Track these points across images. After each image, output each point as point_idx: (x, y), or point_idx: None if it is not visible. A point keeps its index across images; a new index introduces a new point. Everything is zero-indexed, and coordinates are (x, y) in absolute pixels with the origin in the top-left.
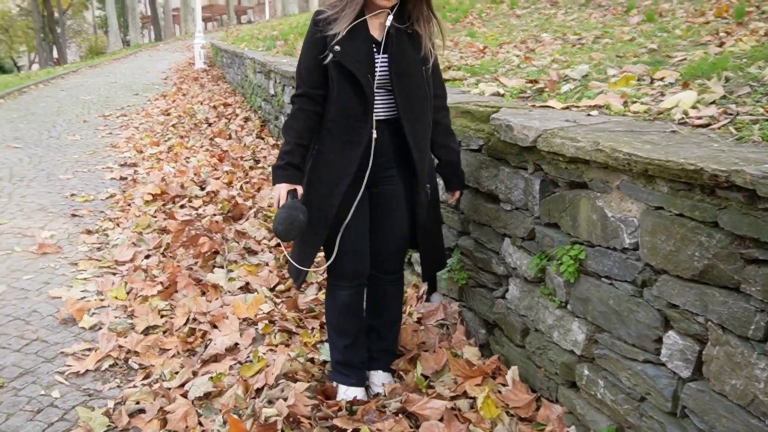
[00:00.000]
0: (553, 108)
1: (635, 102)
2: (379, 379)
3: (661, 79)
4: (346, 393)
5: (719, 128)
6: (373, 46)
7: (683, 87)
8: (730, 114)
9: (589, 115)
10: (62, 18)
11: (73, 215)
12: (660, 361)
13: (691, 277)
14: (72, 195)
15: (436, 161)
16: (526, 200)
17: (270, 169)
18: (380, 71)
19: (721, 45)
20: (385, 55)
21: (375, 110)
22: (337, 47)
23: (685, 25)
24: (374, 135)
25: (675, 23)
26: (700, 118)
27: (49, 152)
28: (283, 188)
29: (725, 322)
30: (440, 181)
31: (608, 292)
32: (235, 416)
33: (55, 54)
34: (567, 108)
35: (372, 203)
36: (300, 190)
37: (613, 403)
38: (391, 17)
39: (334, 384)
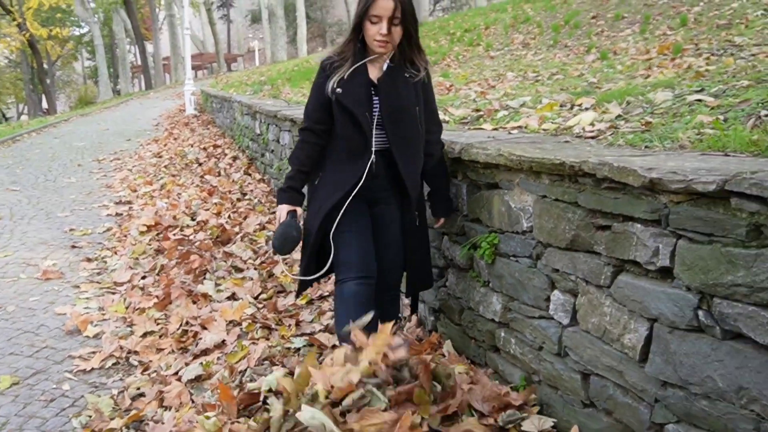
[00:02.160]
0: (484, 129)
1: (547, 122)
2: None
3: (580, 105)
4: None
5: (601, 138)
6: (372, 88)
7: (594, 110)
8: (616, 128)
9: (510, 133)
10: (52, 69)
11: (73, 246)
12: (549, 315)
13: (565, 246)
14: (71, 230)
15: (427, 189)
16: (458, 202)
17: (258, 197)
18: (377, 110)
19: (647, 77)
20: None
21: (375, 142)
22: (339, 89)
23: (630, 62)
24: (373, 160)
25: (623, 60)
26: (592, 131)
27: (47, 194)
28: (284, 209)
29: (587, 277)
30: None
31: (515, 267)
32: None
33: (44, 104)
34: (496, 129)
35: (373, 222)
36: (299, 210)
37: (521, 356)
38: (387, 62)
39: None
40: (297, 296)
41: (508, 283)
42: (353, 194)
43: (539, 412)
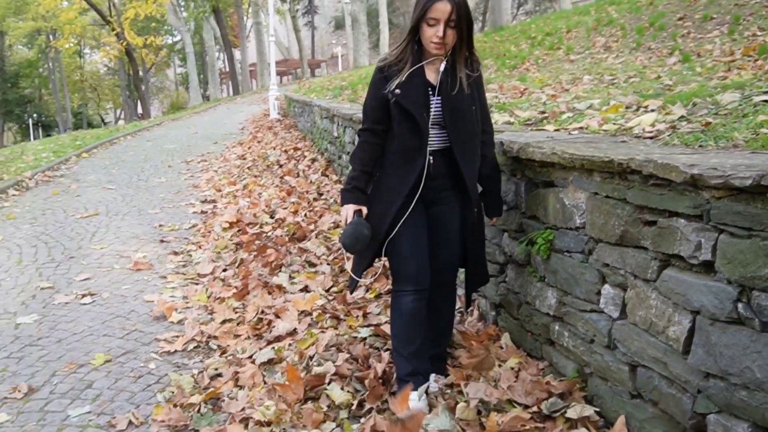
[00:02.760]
0: (546, 130)
1: (609, 123)
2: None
3: (646, 107)
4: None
5: (658, 138)
6: (429, 89)
7: (659, 112)
8: (675, 129)
9: (570, 133)
10: (146, 76)
11: (162, 241)
12: (600, 308)
13: (615, 241)
14: (160, 226)
15: (480, 189)
16: (517, 200)
17: (333, 197)
18: (434, 111)
19: (724, 79)
20: (439, 98)
21: (430, 142)
22: (397, 90)
23: (711, 64)
24: (430, 160)
25: (705, 62)
26: (651, 132)
27: (139, 192)
28: (350, 208)
29: (635, 271)
30: None
31: (568, 262)
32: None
33: (139, 110)
34: (557, 130)
35: (430, 221)
36: (365, 210)
37: (574, 348)
38: (444, 63)
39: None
40: (351, 292)
41: (562, 278)
42: (415, 199)
43: (589, 403)
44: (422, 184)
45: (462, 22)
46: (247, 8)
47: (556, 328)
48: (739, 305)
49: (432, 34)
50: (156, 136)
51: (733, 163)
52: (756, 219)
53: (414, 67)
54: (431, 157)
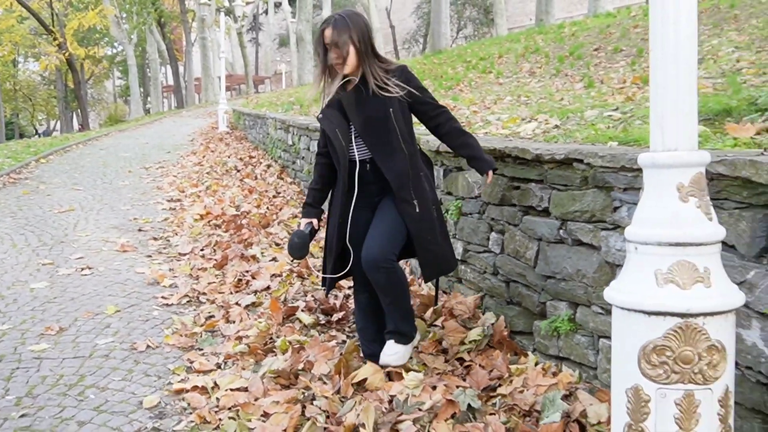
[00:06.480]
0: None
1: (506, 129)
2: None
3: (535, 119)
4: None
5: (533, 138)
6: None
7: (544, 122)
8: (547, 132)
9: (477, 135)
10: (84, 87)
11: (140, 230)
12: (489, 249)
13: (498, 202)
14: (135, 219)
15: (465, 157)
16: (438, 182)
17: (290, 194)
18: (353, 124)
19: (605, 101)
20: (353, 112)
21: (358, 152)
22: (320, 115)
23: (605, 89)
24: (366, 167)
25: (600, 88)
26: (530, 135)
27: (107, 192)
28: (302, 221)
29: (509, 220)
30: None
31: (470, 221)
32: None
33: (77, 121)
34: None
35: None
36: (315, 222)
37: (474, 279)
38: (357, 80)
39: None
40: (327, 293)
41: (465, 233)
42: (354, 202)
43: (483, 314)
44: (356, 190)
45: (351, 40)
46: (191, 23)
47: (462, 268)
48: (561, 231)
49: (330, 57)
50: (108, 145)
51: (558, 148)
52: (568, 179)
53: (331, 91)
54: (365, 165)
